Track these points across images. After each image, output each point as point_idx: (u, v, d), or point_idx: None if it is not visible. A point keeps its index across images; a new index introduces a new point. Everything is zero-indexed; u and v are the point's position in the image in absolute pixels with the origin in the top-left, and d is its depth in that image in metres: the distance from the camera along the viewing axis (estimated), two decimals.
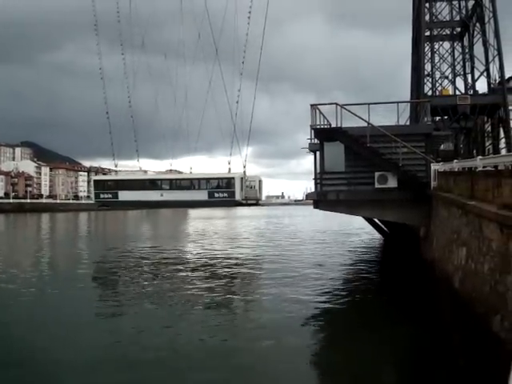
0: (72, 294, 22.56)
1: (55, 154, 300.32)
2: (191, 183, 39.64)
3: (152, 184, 40.66)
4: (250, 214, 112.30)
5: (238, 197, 37.05)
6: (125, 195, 39.76)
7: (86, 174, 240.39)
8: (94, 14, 49.82)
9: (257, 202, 39.31)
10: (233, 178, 38.02)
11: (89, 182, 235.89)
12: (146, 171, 42.54)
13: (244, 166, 40.60)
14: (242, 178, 38.00)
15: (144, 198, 39.76)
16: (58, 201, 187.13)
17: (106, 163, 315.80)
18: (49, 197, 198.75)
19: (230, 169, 40.92)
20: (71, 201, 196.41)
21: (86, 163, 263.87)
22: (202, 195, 38.14)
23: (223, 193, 37.85)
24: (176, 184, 39.84)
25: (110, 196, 40.48)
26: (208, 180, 39.05)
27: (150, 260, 34.08)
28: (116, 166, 44.02)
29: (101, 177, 42.03)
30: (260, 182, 39.70)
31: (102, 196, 40.96)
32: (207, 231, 64.93)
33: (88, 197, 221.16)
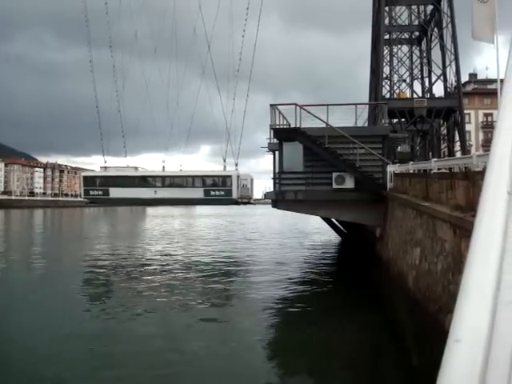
0: None
1: (11, 150, 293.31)
2: (186, 181, 39.12)
3: (145, 181, 39.93)
4: (241, 213, 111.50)
5: (234, 195, 36.80)
6: (116, 192, 38.82)
7: (42, 170, 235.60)
8: (83, 4, 48.22)
9: (249, 201, 38.98)
10: (230, 177, 37.67)
11: (45, 178, 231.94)
12: (136, 168, 41.36)
13: (236, 165, 40.50)
14: (238, 177, 37.77)
15: (136, 196, 38.95)
16: (13, 197, 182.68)
17: (62, 159, 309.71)
18: (3, 193, 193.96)
19: (225, 167, 40.67)
20: (26, 197, 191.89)
21: (43, 159, 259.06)
22: (198, 193, 37.67)
23: (220, 191, 37.45)
24: (170, 181, 39.34)
25: (100, 193, 39.42)
26: (203, 178, 38.60)
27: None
28: (105, 162, 42.93)
29: (90, 173, 40.71)
30: (252, 180, 39.51)
31: (91, 193, 39.87)
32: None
33: (44, 193, 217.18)
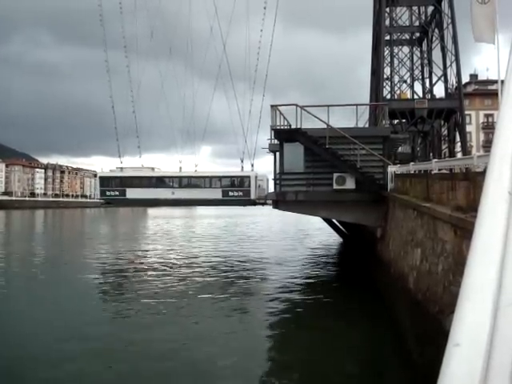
0: None
1: (12, 150, 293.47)
2: (203, 181, 38.87)
3: (162, 182, 39.68)
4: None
5: (253, 196, 36.57)
6: (133, 193, 38.58)
7: (43, 170, 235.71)
8: (99, 4, 47.74)
9: (265, 202, 38.75)
10: (248, 177, 37.35)
11: (46, 179, 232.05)
12: (153, 168, 40.97)
13: (252, 165, 40.18)
14: (256, 177, 37.52)
15: (154, 196, 38.68)
16: (14, 198, 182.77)
17: (62, 160, 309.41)
18: (4, 194, 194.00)
19: (242, 167, 40.28)
20: (27, 198, 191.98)
21: (44, 160, 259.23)
22: (216, 194, 37.42)
23: (238, 191, 37.14)
24: (187, 182, 39.13)
25: (116, 193, 39.09)
26: (220, 178, 38.34)
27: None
28: (121, 163, 42.49)
29: (107, 173, 39.83)
30: (268, 180, 39.28)
31: (108, 193, 39.58)
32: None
33: (45, 194, 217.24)
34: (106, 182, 39.85)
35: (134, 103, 45.51)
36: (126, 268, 30.25)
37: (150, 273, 28.47)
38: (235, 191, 37.07)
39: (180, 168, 41.04)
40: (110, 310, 19.43)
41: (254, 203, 37.37)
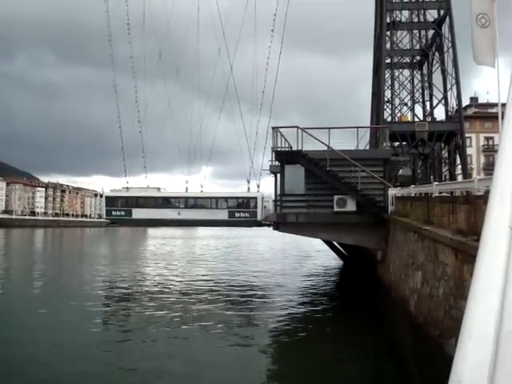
0: None
1: (13, 169, 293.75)
2: (210, 202, 38.60)
3: (168, 202, 39.48)
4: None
5: (259, 217, 36.28)
6: (139, 213, 38.35)
7: (43, 189, 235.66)
8: (107, 25, 48.18)
9: (271, 223, 38.67)
10: (255, 198, 37.07)
11: (46, 197, 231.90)
12: (159, 188, 40.86)
13: (258, 186, 39.94)
14: (263, 198, 37.25)
15: (160, 217, 38.40)
16: (14, 216, 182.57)
17: (63, 179, 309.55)
18: (5, 212, 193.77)
19: (249, 188, 40.02)
20: (27, 216, 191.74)
21: (45, 179, 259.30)
22: (222, 214, 37.12)
23: (245, 212, 36.82)
24: (194, 202, 38.90)
25: (122, 213, 38.87)
26: (227, 199, 38.07)
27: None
28: (127, 183, 42.34)
29: (112, 193, 39.62)
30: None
31: (113, 213, 39.40)
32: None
33: (45, 213, 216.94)
34: (112, 201, 39.69)
35: (140, 123, 45.72)
36: (124, 291, 29.98)
37: (149, 296, 28.28)
38: (242, 212, 36.85)
39: (186, 188, 40.96)
40: (104, 335, 19.11)
41: (260, 224, 37.17)
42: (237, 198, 38.22)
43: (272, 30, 45.71)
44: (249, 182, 40.05)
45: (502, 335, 0.97)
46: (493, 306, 1.01)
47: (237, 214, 36.83)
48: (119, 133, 45.41)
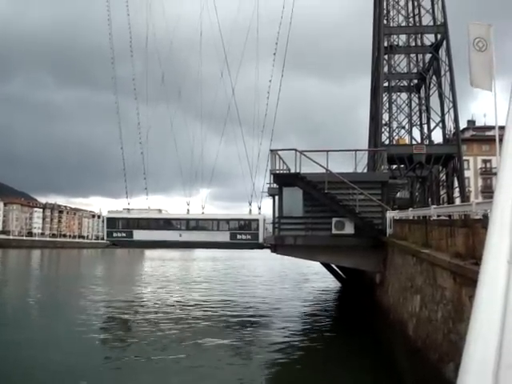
0: None
1: (10, 189, 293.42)
2: (211, 224, 38.51)
3: (169, 224, 39.35)
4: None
5: (261, 239, 36.21)
6: (140, 235, 38.23)
7: (41, 210, 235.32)
8: (111, 47, 48.41)
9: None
10: (257, 220, 37.02)
11: (44, 218, 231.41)
12: (160, 210, 40.80)
13: (259, 208, 39.91)
14: (264, 220, 37.20)
15: (161, 238, 38.26)
16: (11, 237, 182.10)
17: (60, 200, 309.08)
18: (2, 232, 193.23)
19: (250, 210, 39.94)
20: (25, 237, 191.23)
21: (42, 199, 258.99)
22: (224, 237, 37.04)
23: (246, 234, 36.75)
24: (195, 224, 38.82)
25: (123, 235, 38.64)
26: (228, 221, 38.00)
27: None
28: (129, 204, 42.16)
29: (113, 214, 39.42)
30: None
31: (114, 235, 39.30)
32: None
33: (42, 234, 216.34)
34: (112, 223, 39.51)
35: (142, 145, 45.77)
36: (121, 314, 29.80)
37: (146, 317, 28.13)
38: (243, 234, 36.74)
39: (188, 210, 40.90)
40: (102, 358, 18.99)
41: (261, 246, 37.06)
42: (238, 219, 38.13)
43: (274, 54, 46.03)
44: (250, 204, 40.00)
45: (500, 370, 0.97)
46: (493, 339, 1.01)
47: (238, 236, 36.73)
48: (119, 154, 45.31)
